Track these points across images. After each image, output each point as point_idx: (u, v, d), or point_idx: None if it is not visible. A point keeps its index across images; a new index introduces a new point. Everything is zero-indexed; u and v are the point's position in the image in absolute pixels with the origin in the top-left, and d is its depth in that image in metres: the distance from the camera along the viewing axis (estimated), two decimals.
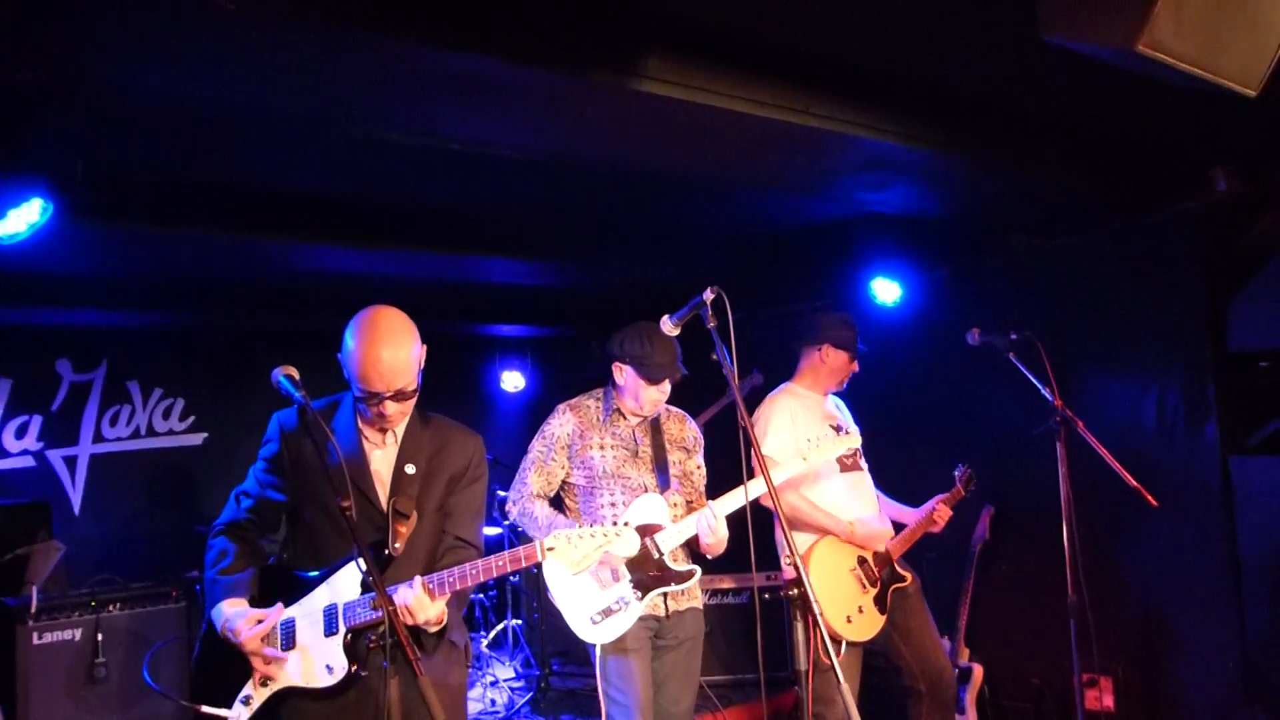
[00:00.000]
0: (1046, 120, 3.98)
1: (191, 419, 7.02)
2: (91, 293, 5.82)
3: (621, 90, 3.04)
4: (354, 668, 2.66)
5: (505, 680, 6.45)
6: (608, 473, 3.74)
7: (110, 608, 4.94)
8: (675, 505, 3.77)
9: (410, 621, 2.61)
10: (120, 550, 6.26)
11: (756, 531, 3.22)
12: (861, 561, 4.13)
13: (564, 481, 3.84)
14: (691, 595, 3.77)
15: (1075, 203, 4.62)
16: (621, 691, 3.55)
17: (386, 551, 2.71)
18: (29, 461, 6.45)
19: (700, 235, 5.73)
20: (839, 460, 4.20)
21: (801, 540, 4.08)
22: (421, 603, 2.62)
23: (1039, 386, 4.16)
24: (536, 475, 3.79)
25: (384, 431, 2.88)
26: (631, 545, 2.88)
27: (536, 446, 3.83)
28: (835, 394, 4.45)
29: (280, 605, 2.73)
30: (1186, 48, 2.14)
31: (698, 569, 3.68)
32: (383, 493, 2.82)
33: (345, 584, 2.72)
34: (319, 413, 2.75)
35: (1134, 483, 3.85)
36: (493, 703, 6.13)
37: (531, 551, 2.74)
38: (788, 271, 6.09)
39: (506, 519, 6.88)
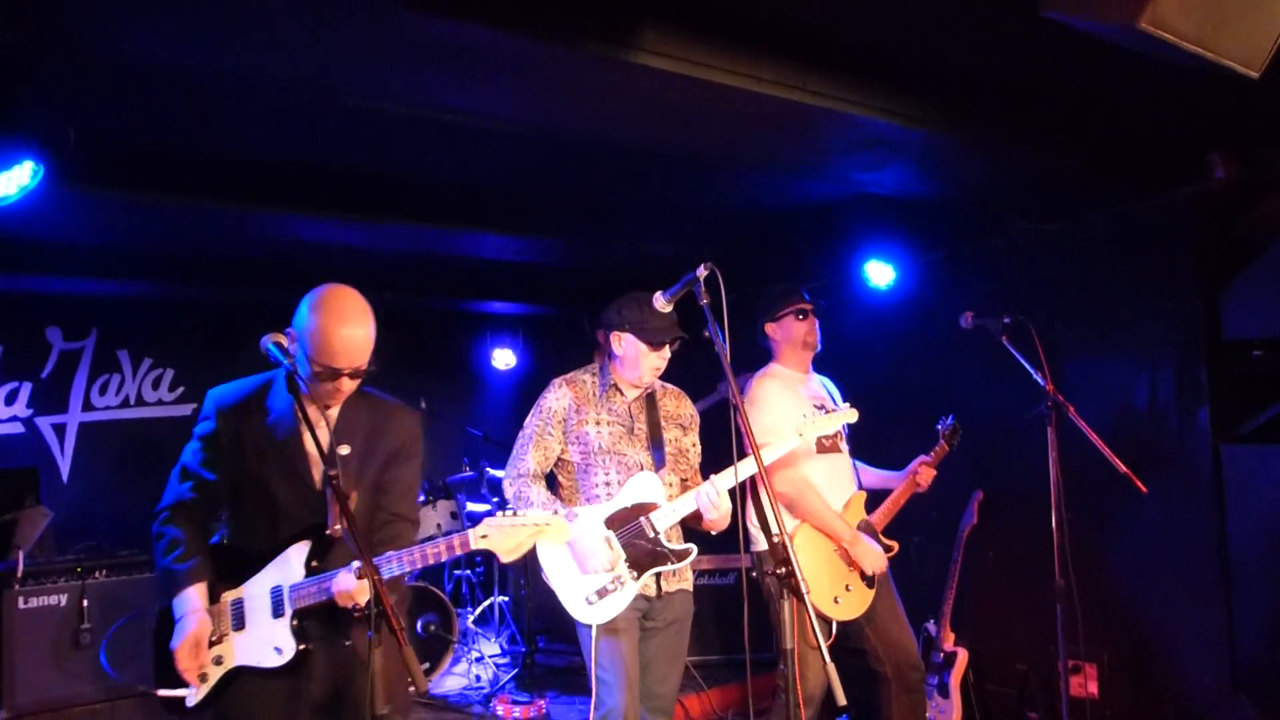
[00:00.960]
0: (1045, 103, 3.96)
1: (181, 389, 7.00)
2: (83, 261, 5.80)
3: (616, 62, 3.02)
4: (302, 648, 2.70)
5: (491, 656, 6.45)
6: (603, 449, 3.67)
7: (96, 574, 4.97)
8: (670, 484, 3.73)
9: (349, 605, 2.63)
10: (107, 518, 6.25)
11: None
12: None
13: (559, 458, 3.77)
14: (682, 576, 3.73)
15: (1072, 187, 4.60)
16: (610, 671, 3.52)
17: (326, 533, 2.73)
18: (18, 428, 6.43)
19: (694, 215, 5.71)
20: (817, 440, 4.13)
21: (787, 521, 4.04)
22: (362, 589, 2.61)
23: (1031, 371, 4.15)
24: (535, 450, 3.71)
25: (320, 412, 2.81)
26: (563, 534, 2.83)
27: (534, 421, 3.74)
28: (823, 375, 4.43)
29: (225, 635, 2.76)
30: (1189, 26, 2.12)
31: (694, 548, 3.64)
32: (317, 474, 2.80)
33: (291, 566, 2.74)
34: (254, 394, 2.83)
35: (1124, 469, 3.84)
36: (478, 679, 6.13)
37: (465, 539, 2.71)
38: (782, 252, 6.07)
39: (495, 495, 6.92)
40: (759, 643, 5.41)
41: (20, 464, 6.15)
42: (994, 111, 3.91)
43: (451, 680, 6.09)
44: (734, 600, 5.61)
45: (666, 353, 3.68)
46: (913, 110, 3.67)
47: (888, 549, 4.17)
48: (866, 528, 4.16)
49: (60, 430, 6.57)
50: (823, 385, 4.41)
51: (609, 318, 3.70)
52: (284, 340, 2.67)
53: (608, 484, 3.67)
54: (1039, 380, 4.13)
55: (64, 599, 4.86)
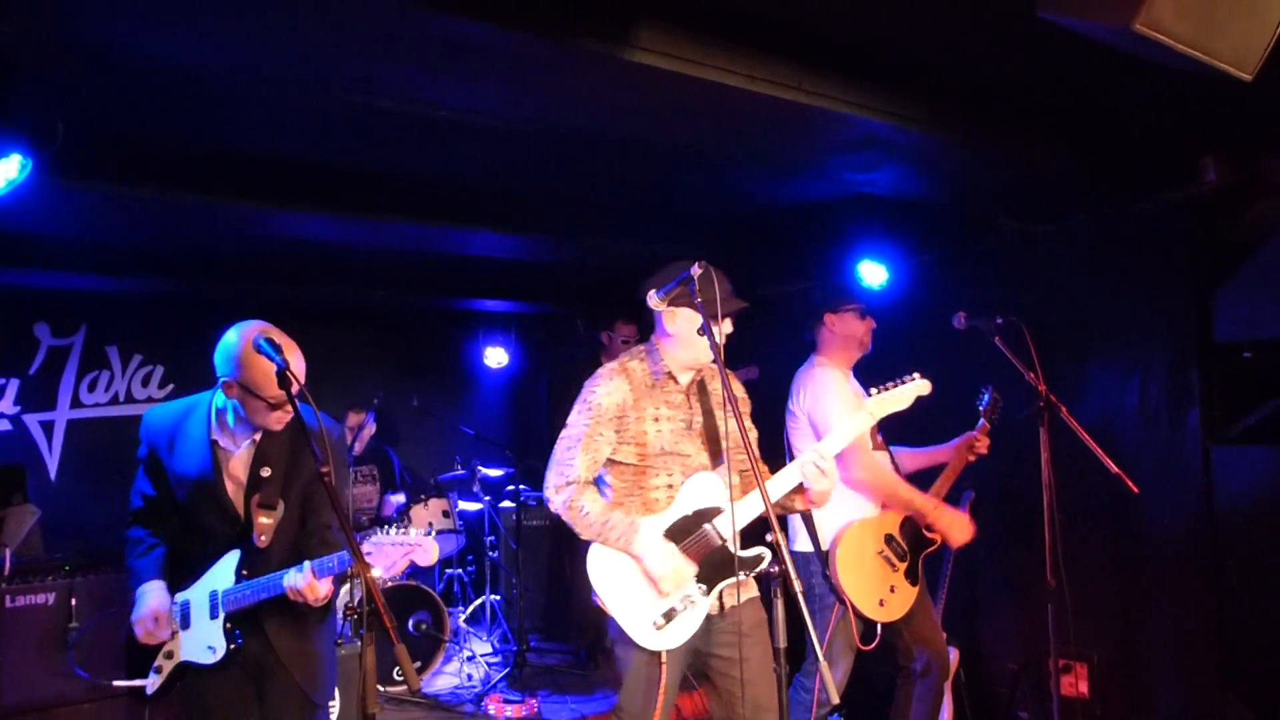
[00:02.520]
0: (1039, 105, 3.97)
1: (171, 386, 6.97)
2: (71, 256, 5.76)
3: (612, 60, 3.01)
4: (232, 647, 2.97)
5: (482, 655, 6.44)
6: (664, 450, 3.24)
7: (84, 572, 4.93)
8: (730, 483, 3.28)
9: (301, 600, 2.85)
10: (96, 516, 6.19)
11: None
12: (889, 540, 4.08)
13: (608, 459, 3.30)
14: (749, 584, 3.32)
15: (1065, 189, 4.62)
16: (643, 703, 3.17)
17: (254, 544, 2.97)
18: (5, 425, 6.40)
19: (688, 213, 5.70)
20: (871, 438, 4.14)
21: (829, 526, 4.04)
22: (313, 587, 2.84)
23: (1023, 371, 4.15)
24: (585, 454, 3.21)
25: (239, 435, 3.02)
26: (432, 554, 2.96)
27: (580, 420, 3.24)
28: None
29: (176, 632, 3.04)
30: (1184, 28, 2.13)
31: (766, 552, 3.16)
32: (236, 495, 3.02)
33: (223, 572, 2.99)
34: (175, 419, 3.05)
35: (1115, 469, 3.85)
36: (469, 678, 6.12)
37: (345, 560, 2.82)
38: (775, 252, 6.06)
39: (488, 494, 6.91)
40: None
41: (7, 461, 6.12)
42: (988, 113, 3.92)
43: (443, 679, 6.08)
44: None
45: (728, 327, 3.20)
46: (907, 111, 3.67)
47: (931, 543, 4.18)
48: (910, 527, 4.16)
49: (48, 428, 6.53)
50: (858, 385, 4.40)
51: (655, 291, 3.23)
52: (275, 336, 2.82)
53: (670, 486, 3.26)
54: (1031, 381, 4.14)
55: (52, 597, 4.82)
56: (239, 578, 2.96)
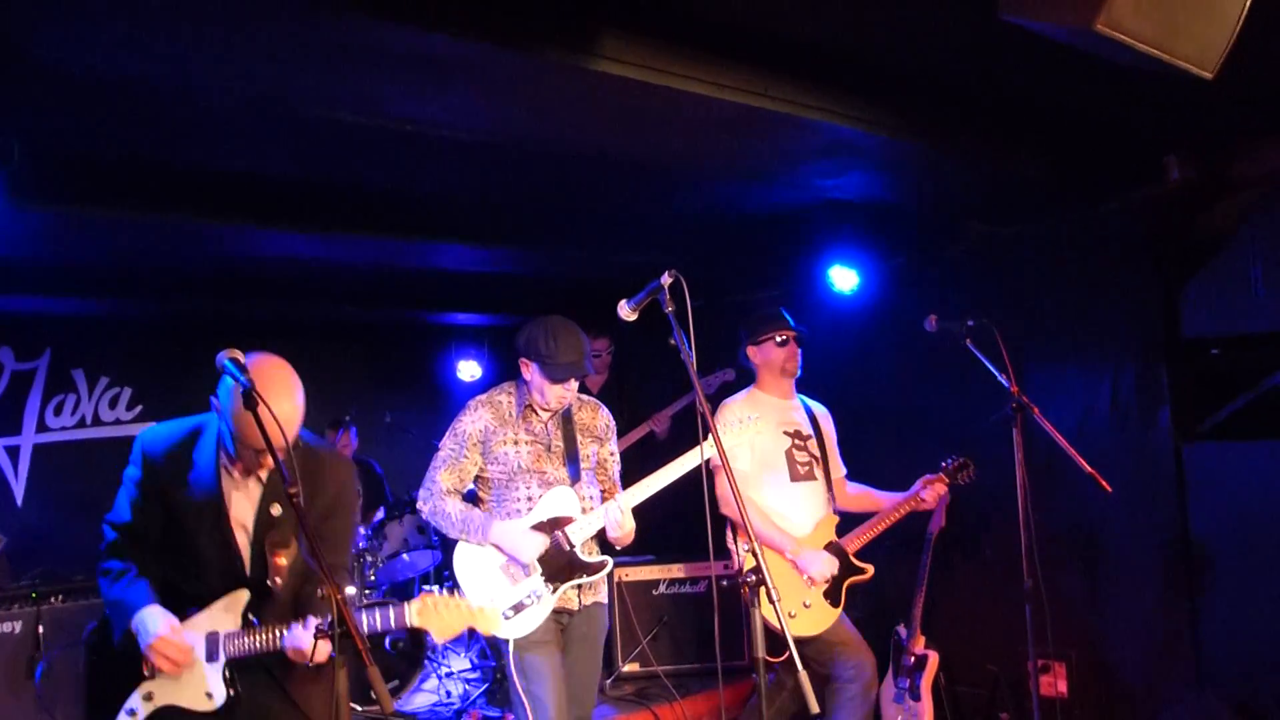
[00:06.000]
0: (1004, 108, 3.99)
1: (139, 408, 6.87)
2: (33, 279, 5.66)
3: (577, 70, 2.99)
4: (232, 693, 2.72)
5: (460, 672, 6.38)
6: (523, 468, 3.72)
7: (52, 600, 4.84)
8: (587, 498, 3.81)
9: (302, 661, 2.66)
10: (64, 542, 6.08)
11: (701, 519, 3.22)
12: None
13: (478, 476, 3.82)
14: (597, 589, 3.80)
15: (1032, 191, 4.64)
16: (537, 684, 3.55)
17: (266, 583, 2.74)
18: None
19: (658, 222, 5.70)
20: (790, 468, 4.30)
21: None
22: (319, 649, 2.63)
23: (995, 373, 4.16)
24: (447, 473, 3.75)
25: (250, 472, 2.79)
26: (493, 624, 2.85)
27: (448, 444, 3.78)
28: (813, 398, 4.58)
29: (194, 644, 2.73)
30: (1144, 28, 2.14)
31: (609, 560, 3.72)
32: (242, 535, 2.79)
33: (228, 614, 2.75)
34: (180, 443, 2.81)
35: (1089, 469, 3.87)
36: (448, 694, 6.06)
37: (401, 616, 2.76)
38: (746, 259, 6.07)
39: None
40: (732, 651, 5.43)
41: None
42: (954, 117, 3.93)
43: (421, 697, 6.02)
44: (707, 609, 5.59)
45: (573, 384, 3.73)
46: (873, 116, 3.67)
47: (859, 571, 4.23)
48: (835, 549, 4.19)
49: (14, 453, 6.42)
50: (803, 411, 4.43)
51: (519, 342, 3.75)
52: (240, 356, 2.56)
53: (529, 499, 3.72)
54: (1003, 382, 4.15)
55: (18, 626, 4.73)
56: (245, 621, 2.73)
